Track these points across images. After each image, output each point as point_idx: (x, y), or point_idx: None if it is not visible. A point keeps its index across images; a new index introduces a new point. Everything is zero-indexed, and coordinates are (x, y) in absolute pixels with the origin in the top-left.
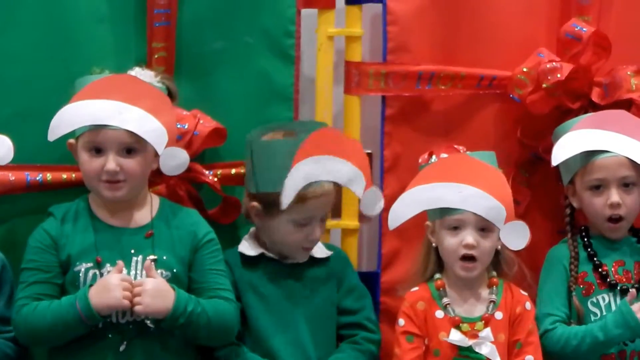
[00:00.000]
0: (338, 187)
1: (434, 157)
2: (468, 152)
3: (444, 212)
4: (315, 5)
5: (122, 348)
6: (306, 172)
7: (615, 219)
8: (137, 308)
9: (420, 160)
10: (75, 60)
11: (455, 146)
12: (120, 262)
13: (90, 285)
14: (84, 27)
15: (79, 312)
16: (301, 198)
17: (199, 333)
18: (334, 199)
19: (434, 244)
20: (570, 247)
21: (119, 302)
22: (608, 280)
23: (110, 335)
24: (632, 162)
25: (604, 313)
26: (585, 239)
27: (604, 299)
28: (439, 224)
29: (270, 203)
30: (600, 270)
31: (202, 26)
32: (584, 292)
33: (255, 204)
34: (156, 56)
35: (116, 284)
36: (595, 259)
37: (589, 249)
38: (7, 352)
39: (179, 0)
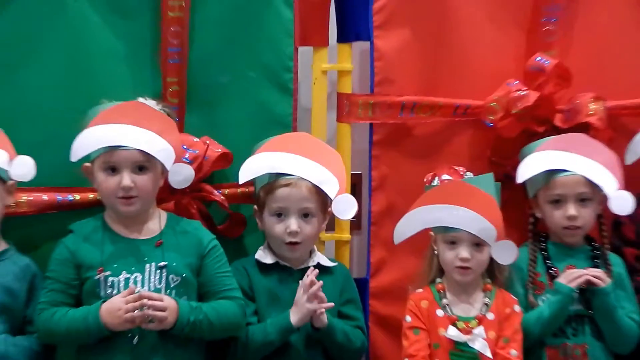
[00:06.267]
0: (317, 190)
1: (436, 178)
2: (469, 173)
3: (444, 229)
4: (310, 44)
5: (135, 341)
6: (273, 163)
7: (572, 228)
8: (150, 326)
9: (425, 181)
10: (97, 94)
11: (456, 168)
12: (132, 286)
13: (104, 301)
14: (105, 64)
15: (89, 326)
16: (270, 188)
17: (204, 335)
18: (315, 201)
19: (435, 252)
20: (530, 251)
21: (122, 325)
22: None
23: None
24: (588, 180)
25: None
26: (543, 244)
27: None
28: (440, 237)
29: (257, 199)
30: (551, 272)
31: (210, 63)
32: (537, 290)
33: (255, 207)
34: (170, 89)
35: (122, 307)
36: (548, 261)
37: (544, 253)
38: (36, 350)
39: (190, 39)
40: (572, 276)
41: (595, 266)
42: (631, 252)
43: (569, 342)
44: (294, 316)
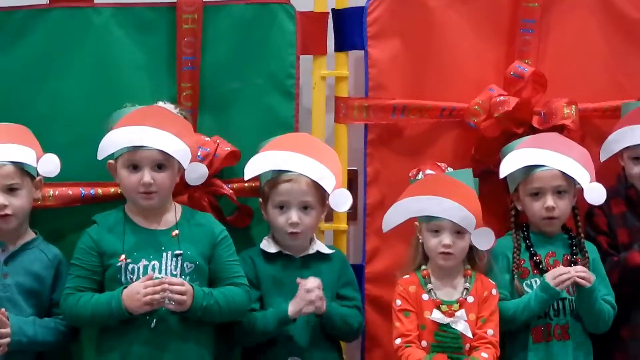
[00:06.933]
0: (316, 185)
1: (420, 173)
2: (450, 169)
3: (428, 218)
4: (310, 52)
5: (153, 324)
6: (276, 161)
7: (550, 218)
8: (170, 307)
9: (410, 175)
10: (120, 100)
11: (438, 163)
12: (150, 272)
13: (125, 286)
14: (127, 73)
15: (112, 309)
16: (274, 183)
17: (214, 318)
18: (314, 195)
19: (420, 241)
20: (514, 239)
21: (141, 308)
22: (540, 267)
23: (142, 315)
24: (564, 174)
25: None
26: (525, 233)
27: (536, 282)
28: (424, 226)
29: (262, 193)
30: (534, 258)
31: (221, 70)
32: (521, 275)
33: (260, 200)
34: (184, 94)
35: (141, 292)
36: (531, 249)
37: (527, 241)
38: (62, 330)
39: (202, 49)
40: (560, 278)
41: (573, 253)
42: (605, 240)
43: (552, 322)
44: (292, 307)
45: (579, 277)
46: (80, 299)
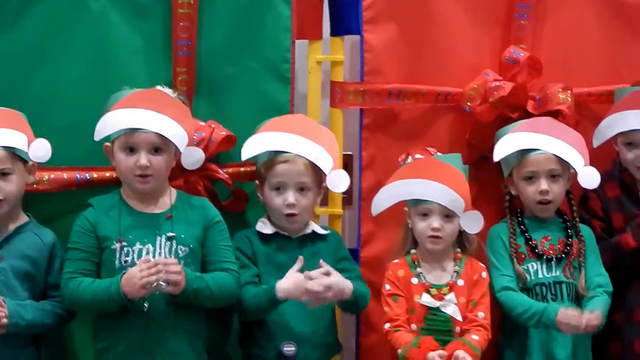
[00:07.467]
0: (312, 166)
1: (410, 157)
2: (439, 153)
3: (417, 202)
4: (306, 37)
5: (145, 308)
6: (273, 142)
7: (544, 203)
8: (166, 289)
9: (399, 159)
10: (116, 84)
11: (428, 148)
12: (145, 256)
13: (124, 271)
14: (123, 57)
15: (112, 294)
16: (270, 164)
17: (205, 303)
18: (310, 176)
19: (410, 226)
20: (509, 225)
21: (138, 292)
22: (536, 251)
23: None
24: (558, 158)
25: (532, 278)
26: (520, 218)
27: (532, 266)
28: (413, 211)
29: (259, 175)
30: (530, 243)
31: (216, 55)
32: (518, 261)
33: (256, 182)
34: (179, 78)
35: (137, 275)
36: (527, 234)
37: (522, 226)
38: (59, 313)
39: (198, 34)
40: (569, 328)
41: (568, 237)
42: (599, 224)
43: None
44: (284, 289)
45: (588, 326)
46: (81, 283)
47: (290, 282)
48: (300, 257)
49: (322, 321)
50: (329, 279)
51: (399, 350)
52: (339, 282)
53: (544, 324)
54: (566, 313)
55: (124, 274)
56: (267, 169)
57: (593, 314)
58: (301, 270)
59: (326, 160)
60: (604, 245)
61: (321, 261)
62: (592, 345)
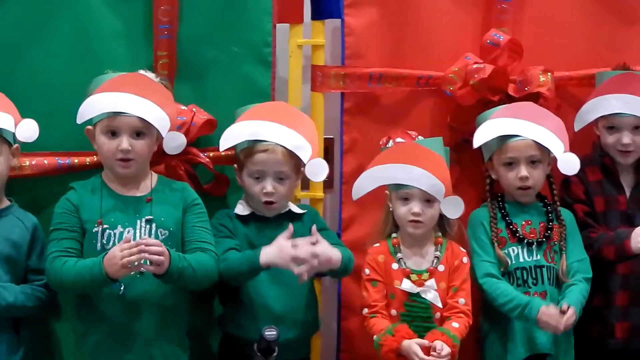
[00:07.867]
0: (291, 154)
1: (391, 141)
2: (420, 137)
3: (397, 186)
4: (287, 21)
5: (120, 291)
6: (252, 131)
7: (524, 188)
8: (149, 269)
9: (380, 143)
10: (97, 68)
11: (409, 132)
12: (126, 236)
13: (105, 251)
14: (104, 41)
15: (94, 275)
16: (249, 152)
17: (187, 283)
18: (289, 164)
19: (391, 209)
20: (490, 209)
21: (120, 271)
22: (517, 235)
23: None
24: (538, 144)
25: (513, 262)
26: (501, 203)
27: (513, 251)
28: (394, 195)
29: (237, 160)
30: (511, 227)
31: (197, 38)
32: (499, 245)
33: (235, 166)
34: (160, 62)
35: (117, 255)
36: (507, 218)
37: (502, 211)
38: (40, 297)
39: (179, 18)
40: (548, 327)
41: (549, 221)
42: (582, 208)
43: (530, 290)
44: (267, 252)
45: (566, 325)
46: (65, 263)
47: (274, 246)
48: (290, 226)
49: (301, 300)
50: (315, 247)
51: (374, 337)
52: (326, 250)
53: (525, 318)
54: (547, 313)
55: (107, 253)
56: (246, 157)
57: (569, 312)
58: None
59: (306, 148)
60: (607, 236)
61: (313, 228)
62: (573, 330)
